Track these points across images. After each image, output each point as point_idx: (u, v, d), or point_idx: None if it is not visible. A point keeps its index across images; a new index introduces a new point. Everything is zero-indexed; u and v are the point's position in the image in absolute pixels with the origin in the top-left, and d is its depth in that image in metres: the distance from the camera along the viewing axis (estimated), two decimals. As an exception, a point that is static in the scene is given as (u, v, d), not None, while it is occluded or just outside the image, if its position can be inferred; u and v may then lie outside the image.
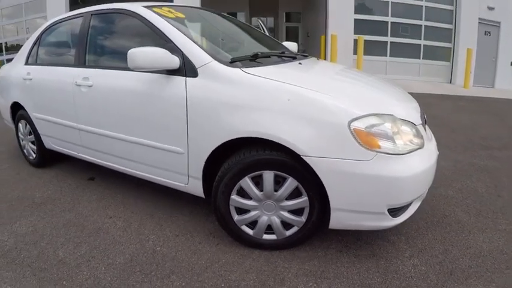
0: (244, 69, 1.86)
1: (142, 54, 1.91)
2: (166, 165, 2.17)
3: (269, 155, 1.71)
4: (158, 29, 2.17)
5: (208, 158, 1.91)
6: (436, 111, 6.03)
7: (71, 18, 3.04)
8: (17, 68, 3.44)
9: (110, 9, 2.66)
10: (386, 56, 10.56)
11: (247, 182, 1.78)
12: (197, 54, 1.96)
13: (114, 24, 2.70)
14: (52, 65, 3.07)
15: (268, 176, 1.74)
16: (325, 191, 1.67)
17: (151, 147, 2.20)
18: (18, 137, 3.69)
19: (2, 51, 12.47)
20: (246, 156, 1.75)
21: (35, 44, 3.35)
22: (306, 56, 2.64)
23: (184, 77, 1.97)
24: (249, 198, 1.84)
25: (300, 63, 2.27)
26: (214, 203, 1.92)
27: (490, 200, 2.61)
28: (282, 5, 15.77)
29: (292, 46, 3.03)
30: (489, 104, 7.42)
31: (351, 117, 1.59)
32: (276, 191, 1.78)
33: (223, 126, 1.80)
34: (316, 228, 1.85)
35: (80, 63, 2.70)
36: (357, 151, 1.58)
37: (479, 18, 10.71)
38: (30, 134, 3.49)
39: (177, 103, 1.98)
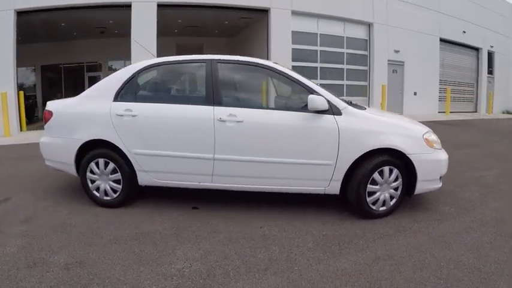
0: (366, 111, 3.34)
1: (317, 99, 3.01)
2: (313, 176, 3.16)
3: (387, 157, 3.16)
4: (302, 82, 3.24)
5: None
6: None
7: (181, 63, 3.49)
8: (100, 104, 3.33)
9: (239, 60, 3.35)
10: (317, 95, 12.56)
11: (377, 175, 3.18)
12: (337, 101, 3.19)
13: (246, 72, 3.49)
14: (169, 102, 3.33)
15: (386, 169, 3.19)
16: (411, 173, 3.21)
17: (303, 164, 3.12)
18: (85, 178, 3.42)
19: None
20: (375, 160, 3.14)
21: (127, 82, 3.37)
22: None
23: (333, 115, 3.12)
24: (376, 184, 3.21)
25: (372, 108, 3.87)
26: (357, 191, 3.12)
27: (474, 180, 4.63)
28: (206, 52, 17.03)
29: None
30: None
31: (423, 133, 3.28)
32: (388, 177, 3.22)
33: (363, 144, 3.09)
34: (401, 198, 3.34)
35: (216, 102, 3.18)
36: (427, 149, 3.25)
37: (388, 60, 13.37)
38: (114, 172, 3.31)
39: (331, 132, 3.08)
